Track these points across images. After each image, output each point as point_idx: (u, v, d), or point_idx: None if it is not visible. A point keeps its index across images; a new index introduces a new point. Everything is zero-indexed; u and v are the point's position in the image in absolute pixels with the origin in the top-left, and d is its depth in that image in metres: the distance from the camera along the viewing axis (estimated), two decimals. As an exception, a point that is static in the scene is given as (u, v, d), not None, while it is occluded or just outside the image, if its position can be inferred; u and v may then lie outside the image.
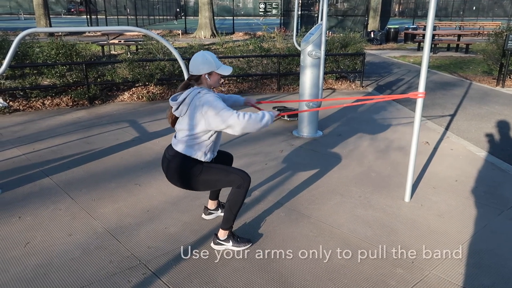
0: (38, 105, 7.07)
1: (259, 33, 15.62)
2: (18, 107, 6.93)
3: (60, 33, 18.56)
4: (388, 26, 20.57)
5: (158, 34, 15.92)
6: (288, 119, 6.26)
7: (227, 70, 2.76)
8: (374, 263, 2.81)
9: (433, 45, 15.06)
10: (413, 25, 24.10)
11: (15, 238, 3.09)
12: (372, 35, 19.05)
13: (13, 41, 7.42)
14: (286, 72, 8.67)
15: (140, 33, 13.74)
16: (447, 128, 6.13)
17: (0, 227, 3.23)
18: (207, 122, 2.60)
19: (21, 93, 7.19)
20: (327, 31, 18.21)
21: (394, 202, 3.69)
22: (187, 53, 9.01)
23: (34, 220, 3.35)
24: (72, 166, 4.49)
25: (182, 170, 2.72)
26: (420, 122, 3.49)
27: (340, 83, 9.10)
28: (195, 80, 2.75)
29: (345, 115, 6.73)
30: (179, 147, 2.72)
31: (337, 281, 2.63)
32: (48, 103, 7.17)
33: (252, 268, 2.75)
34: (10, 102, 6.98)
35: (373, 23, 21.09)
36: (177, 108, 2.70)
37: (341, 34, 9.38)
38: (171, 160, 2.75)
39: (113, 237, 3.11)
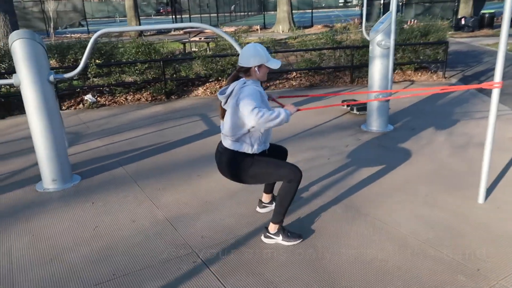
0: (122, 100, 7.66)
1: (338, 25, 15.22)
2: (104, 102, 7.56)
3: (148, 33, 19.86)
4: (482, 11, 18.75)
5: (236, 29, 16.31)
6: (357, 112, 6.03)
7: (276, 64, 2.73)
8: (433, 268, 2.60)
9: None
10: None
11: (87, 221, 3.38)
12: (463, 22, 17.52)
13: (101, 42, 8.16)
14: (360, 64, 8.34)
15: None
16: (541, 123, 5.44)
17: (75, 211, 3.56)
18: (242, 111, 2.60)
19: (107, 90, 7.84)
20: (410, 20, 17.14)
21: (465, 203, 3.37)
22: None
23: (105, 206, 3.63)
24: (143, 157, 4.80)
25: (233, 163, 2.76)
26: (496, 115, 3.14)
27: (419, 74, 8.53)
28: (244, 72, 2.75)
29: (421, 108, 6.29)
30: (227, 142, 2.76)
31: (388, 284, 2.47)
32: (130, 98, 7.73)
33: (299, 264, 2.70)
34: (98, 98, 7.65)
35: (464, 9, 19.35)
36: (226, 102, 2.74)
37: (421, 23, 8.75)
38: (223, 153, 2.81)
39: (172, 225, 3.26)
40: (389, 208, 3.35)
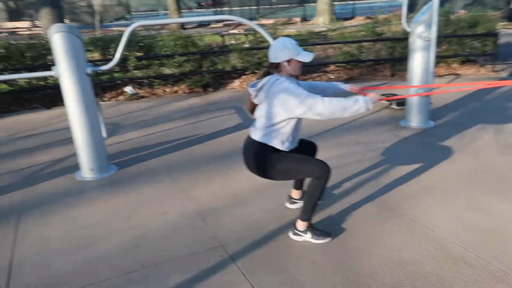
0: (160, 92, 7.79)
1: (380, 16, 14.70)
2: (143, 94, 7.73)
3: (188, 26, 20.07)
4: (539, 0, 17.51)
5: (274, 22, 16.19)
6: (397, 107, 5.80)
7: (307, 57, 2.64)
8: (471, 274, 2.44)
9: None
10: None
11: (121, 211, 3.46)
12: (518, 12, 16.45)
13: (140, 35, 8.31)
14: (401, 57, 8.02)
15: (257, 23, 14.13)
16: None
17: (110, 201, 3.65)
18: (288, 110, 2.54)
19: (147, 82, 8.00)
20: (459, 10, 16.27)
21: (511, 207, 3.15)
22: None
23: (138, 197, 3.70)
24: (178, 149, 4.85)
25: (259, 158, 2.71)
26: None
27: (466, 67, 8.09)
28: (275, 67, 2.70)
29: (466, 104, 5.96)
30: (257, 135, 2.72)
31: (422, 289, 2.35)
32: (168, 90, 7.85)
33: (328, 263, 2.62)
34: (138, 90, 7.83)
35: (520, -3, 18.17)
36: (256, 95, 2.69)
37: (469, 14, 8.28)
38: (249, 147, 2.77)
39: (201, 218, 3.27)
40: (426, 209, 3.19)
